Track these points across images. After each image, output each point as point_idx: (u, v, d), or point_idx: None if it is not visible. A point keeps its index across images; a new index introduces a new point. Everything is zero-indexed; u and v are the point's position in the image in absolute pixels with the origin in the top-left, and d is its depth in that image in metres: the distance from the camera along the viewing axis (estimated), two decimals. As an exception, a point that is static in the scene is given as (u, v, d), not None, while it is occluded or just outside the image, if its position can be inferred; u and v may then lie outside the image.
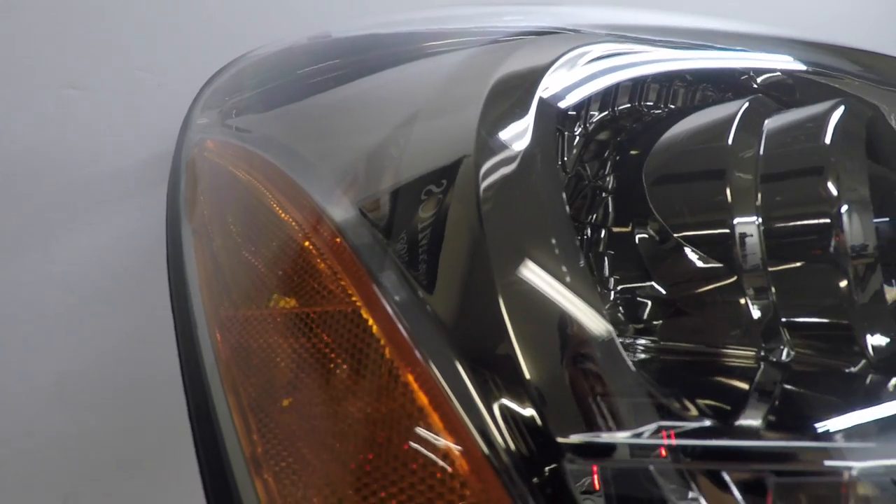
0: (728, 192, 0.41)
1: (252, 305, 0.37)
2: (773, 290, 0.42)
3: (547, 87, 0.37)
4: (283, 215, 0.43)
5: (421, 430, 0.26)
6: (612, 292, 0.51)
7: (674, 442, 0.23)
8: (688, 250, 0.45)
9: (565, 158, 0.51)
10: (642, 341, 0.48)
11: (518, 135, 0.36)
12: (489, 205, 0.32)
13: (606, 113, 0.56)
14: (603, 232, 0.52)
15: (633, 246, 0.49)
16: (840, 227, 0.38)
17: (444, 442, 0.25)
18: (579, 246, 0.51)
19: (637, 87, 0.58)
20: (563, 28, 0.52)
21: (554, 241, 0.31)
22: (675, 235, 0.45)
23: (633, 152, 0.53)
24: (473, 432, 0.25)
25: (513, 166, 0.34)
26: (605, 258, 0.51)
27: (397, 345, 0.29)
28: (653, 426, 0.24)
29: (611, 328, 0.29)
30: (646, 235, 0.48)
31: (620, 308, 0.50)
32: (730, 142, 0.42)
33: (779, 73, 0.64)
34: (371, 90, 0.54)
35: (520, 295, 0.29)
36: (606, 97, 0.56)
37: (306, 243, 0.38)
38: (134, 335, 0.97)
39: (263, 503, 0.29)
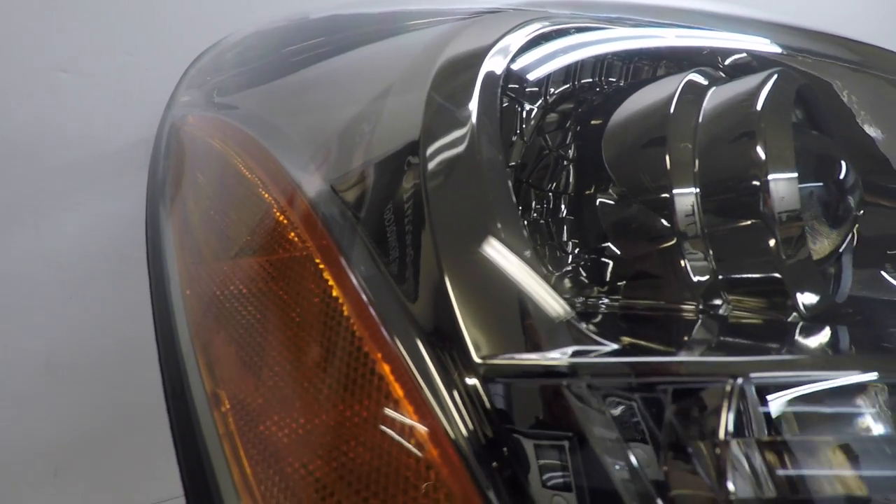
0: (667, 159, 0.44)
1: (219, 258, 0.40)
2: (710, 252, 0.45)
3: (492, 67, 0.39)
4: (261, 191, 0.45)
5: (377, 387, 0.28)
6: (571, 255, 0.53)
7: (585, 360, 0.26)
8: (640, 214, 0.48)
9: (523, 127, 0.53)
10: (605, 300, 0.51)
11: (462, 117, 0.37)
12: (435, 184, 0.34)
13: (567, 87, 0.58)
14: (564, 198, 0.55)
15: (593, 210, 0.51)
16: (767, 191, 0.41)
17: (407, 413, 0.27)
18: (537, 215, 0.54)
19: (599, 63, 0.61)
20: (520, 7, 0.54)
21: (496, 216, 0.33)
22: (628, 200, 0.48)
23: (593, 122, 0.56)
24: (426, 393, 0.27)
25: (457, 149, 0.36)
26: (566, 223, 0.54)
27: (342, 283, 0.32)
28: (569, 349, 0.27)
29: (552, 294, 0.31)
30: (604, 200, 0.50)
31: (583, 272, 0.53)
32: (671, 111, 0.45)
33: (744, 55, 0.67)
34: (342, 67, 0.57)
35: (463, 269, 0.31)
36: (568, 72, 0.59)
37: (276, 211, 0.41)
38: (121, 310, 1.00)
39: (221, 434, 0.32)
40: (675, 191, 0.44)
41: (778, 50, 0.67)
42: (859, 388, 0.30)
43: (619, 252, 0.51)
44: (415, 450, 0.26)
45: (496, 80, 0.39)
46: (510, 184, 0.35)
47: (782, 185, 0.41)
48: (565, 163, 0.55)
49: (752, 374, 0.26)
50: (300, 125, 0.49)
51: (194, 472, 0.33)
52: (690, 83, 0.46)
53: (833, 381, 0.30)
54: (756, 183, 0.41)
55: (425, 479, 0.26)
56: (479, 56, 0.39)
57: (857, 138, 0.64)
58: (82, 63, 1.01)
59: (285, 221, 0.38)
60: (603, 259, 0.52)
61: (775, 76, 0.43)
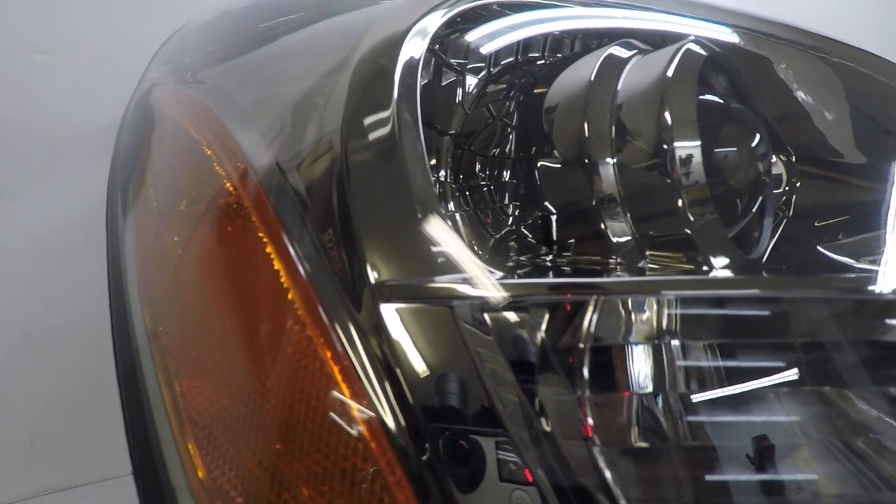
0: (586, 127, 0.48)
1: (169, 224, 0.44)
2: (628, 215, 0.49)
3: (410, 50, 0.42)
4: (214, 165, 0.48)
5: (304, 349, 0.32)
6: (511, 217, 0.57)
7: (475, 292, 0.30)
8: (573, 178, 0.51)
9: (466, 97, 0.57)
10: (549, 258, 0.54)
11: (382, 100, 0.39)
12: (355, 160, 0.37)
13: (512, 59, 0.62)
14: (507, 163, 0.59)
15: (534, 174, 0.55)
16: (673, 156, 0.45)
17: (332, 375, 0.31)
18: (480, 181, 0.58)
19: (545, 39, 0.64)
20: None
21: (412, 194, 0.36)
22: (566, 164, 0.51)
23: (536, 91, 0.59)
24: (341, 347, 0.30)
25: (379, 132, 0.38)
26: (508, 187, 0.58)
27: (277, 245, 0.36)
28: (459, 276, 0.31)
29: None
30: (544, 164, 0.54)
31: (527, 232, 0.56)
32: (591, 80, 0.49)
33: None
34: (297, 44, 0.60)
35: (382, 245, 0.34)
36: (515, 47, 0.62)
37: (227, 183, 0.45)
38: (97, 283, 1.04)
39: (157, 365, 0.36)
40: (592, 156, 0.48)
41: (722, 37, 0.70)
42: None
43: (555, 213, 0.54)
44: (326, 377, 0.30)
45: (415, 62, 0.42)
46: (426, 160, 0.38)
47: (687, 149, 0.45)
48: (509, 130, 0.59)
49: (614, 289, 0.30)
50: (255, 100, 0.53)
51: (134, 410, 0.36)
52: (611, 55, 0.50)
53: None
54: (664, 147, 0.45)
55: (338, 404, 0.29)
56: (397, 41, 0.42)
57: (795, 113, 0.68)
58: (60, 45, 1.04)
59: (233, 192, 0.41)
60: (545, 220, 0.56)
61: (685, 47, 0.47)
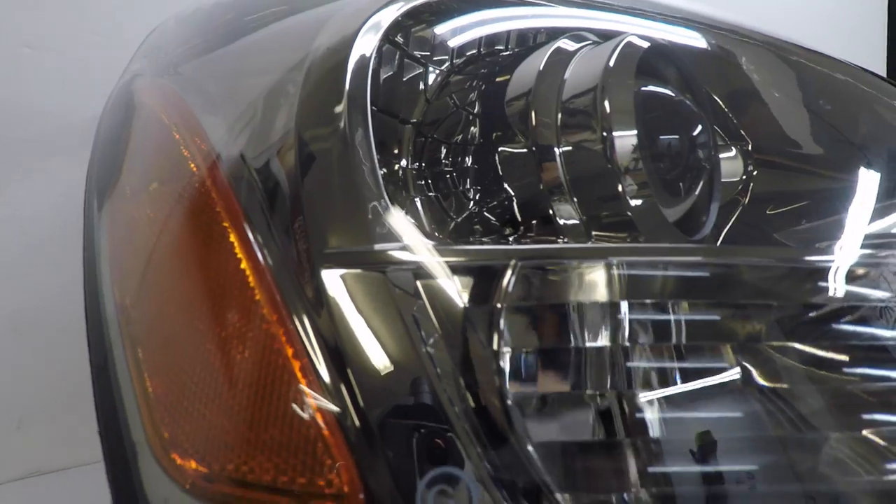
0: (532, 114, 0.51)
1: (138, 192, 0.47)
2: (575, 199, 0.52)
3: (362, 47, 0.45)
4: (182, 150, 0.51)
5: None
6: (472, 201, 0.60)
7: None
8: (528, 163, 0.55)
9: (424, 89, 0.60)
10: (511, 239, 0.57)
11: (334, 93, 0.42)
12: (306, 146, 0.40)
13: (475, 52, 0.65)
14: (470, 150, 0.62)
15: (494, 159, 0.58)
16: (612, 143, 0.48)
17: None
18: (443, 167, 0.61)
19: (509, 34, 0.67)
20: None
21: (355, 176, 0.39)
22: (519, 150, 0.54)
23: (498, 79, 0.62)
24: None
25: (329, 123, 0.41)
26: (470, 172, 0.61)
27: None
28: (396, 244, 0.34)
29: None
30: (504, 149, 0.57)
31: (491, 216, 0.59)
32: (540, 68, 0.52)
33: None
34: (269, 36, 0.63)
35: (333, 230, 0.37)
36: (479, 41, 0.65)
37: (195, 172, 0.48)
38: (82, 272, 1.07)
39: (124, 334, 0.39)
40: (539, 144, 0.51)
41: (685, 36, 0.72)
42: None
43: (515, 197, 0.58)
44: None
45: (367, 58, 0.44)
46: (373, 148, 0.41)
47: (624, 136, 0.48)
48: (471, 118, 0.62)
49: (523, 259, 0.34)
50: (224, 91, 0.56)
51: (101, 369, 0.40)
52: (559, 48, 0.53)
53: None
54: (604, 134, 0.48)
55: (280, 361, 0.33)
56: (350, 37, 0.45)
57: (754, 106, 0.72)
58: (49, 40, 1.08)
59: (196, 172, 0.45)
60: (508, 204, 0.59)
61: (625, 40, 0.50)
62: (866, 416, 0.43)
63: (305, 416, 0.31)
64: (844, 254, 0.57)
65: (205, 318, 0.35)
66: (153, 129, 0.52)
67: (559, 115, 0.51)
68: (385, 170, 0.55)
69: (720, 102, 0.70)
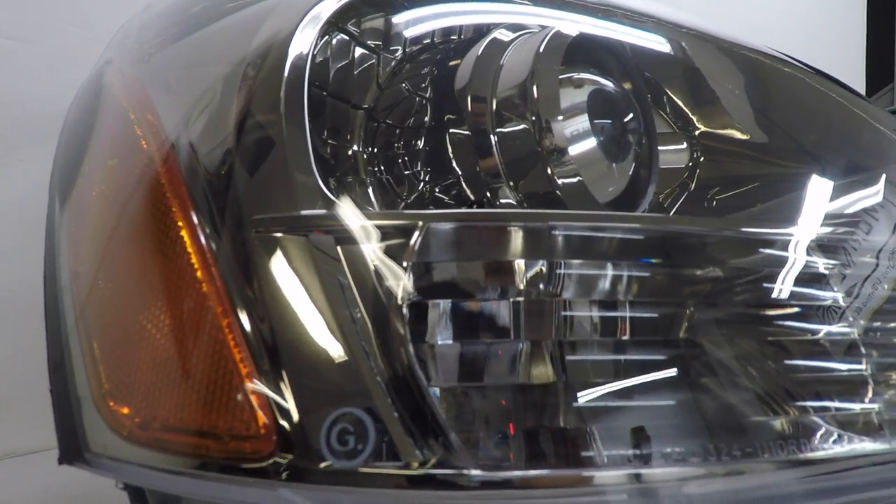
0: (468, 100, 0.55)
1: (95, 168, 0.51)
2: (511, 182, 0.55)
3: (301, 39, 0.48)
4: (141, 141, 0.54)
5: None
6: (422, 182, 0.64)
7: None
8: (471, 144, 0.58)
9: (377, 76, 0.63)
10: None
11: (274, 82, 0.45)
12: (245, 128, 0.43)
13: (428, 41, 0.68)
14: (422, 133, 0.65)
15: (444, 141, 0.61)
16: (540, 126, 0.51)
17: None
18: (395, 150, 0.64)
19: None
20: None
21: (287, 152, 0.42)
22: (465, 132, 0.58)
23: (451, 63, 0.65)
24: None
25: (269, 108, 0.44)
26: (421, 155, 0.64)
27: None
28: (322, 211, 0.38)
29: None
30: (454, 131, 0.60)
31: (445, 197, 0.63)
32: (476, 56, 0.55)
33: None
34: (222, 29, 0.66)
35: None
36: (433, 31, 0.68)
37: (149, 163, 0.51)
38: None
39: (75, 299, 0.42)
40: (474, 130, 0.55)
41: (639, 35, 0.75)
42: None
43: (462, 177, 0.61)
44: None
45: (306, 48, 0.47)
46: (306, 132, 0.44)
47: (551, 119, 0.52)
48: (424, 102, 0.65)
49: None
50: (179, 79, 0.59)
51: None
52: (495, 38, 0.56)
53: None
54: (532, 119, 0.52)
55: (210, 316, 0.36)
56: (289, 30, 0.48)
57: (705, 97, 0.75)
58: (27, 32, 1.11)
59: (146, 149, 0.48)
60: (456, 183, 0.62)
61: (554, 29, 0.54)
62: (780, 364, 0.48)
63: (228, 367, 0.34)
64: (774, 226, 0.60)
65: (144, 278, 0.39)
66: (113, 113, 0.56)
67: (494, 102, 0.54)
68: (332, 151, 0.58)
69: (669, 92, 0.74)
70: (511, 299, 0.38)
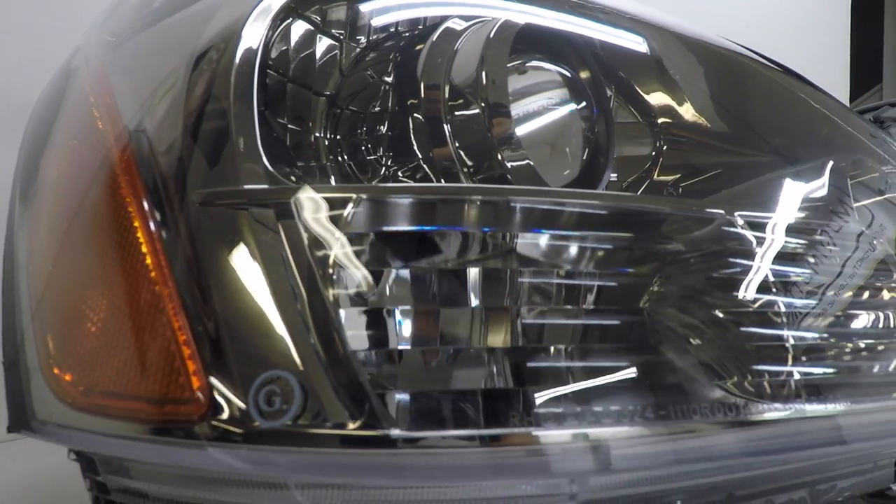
0: (421, 85, 0.56)
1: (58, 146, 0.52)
2: (465, 169, 0.57)
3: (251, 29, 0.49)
4: (96, 116, 0.55)
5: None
6: (384, 167, 0.65)
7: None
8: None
9: (339, 63, 0.65)
10: None
11: (223, 73, 0.47)
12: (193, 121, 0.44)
13: (393, 29, 0.69)
14: (385, 118, 0.66)
15: (407, 125, 0.62)
16: (487, 113, 0.53)
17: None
18: (358, 136, 0.65)
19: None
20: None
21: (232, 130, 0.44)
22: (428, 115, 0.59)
23: (416, 48, 0.66)
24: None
25: (218, 89, 0.45)
26: (384, 139, 0.65)
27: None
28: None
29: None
30: (416, 116, 0.62)
31: (409, 181, 0.64)
32: (433, 40, 0.57)
33: None
34: (183, 19, 0.68)
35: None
36: (392, 21, 0.70)
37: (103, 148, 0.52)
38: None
39: (29, 272, 0.44)
40: (426, 116, 0.56)
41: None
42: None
43: (422, 160, 0.62)
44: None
45: (256, 40, 0.48)
46: (254, 114, 0.46)
47: (499, 105, 0.53)
48: (387, 88, 0.67)
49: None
50: (143, 68, 0.61)
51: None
52: (447, 28, 0.58)
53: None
54: (481, 104, 0.53)
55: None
56: (242, 17, 0.49)
57: (667, 88, 0.77)
58: (9, 23, 1.12)
59: (101, 128, 0.50)
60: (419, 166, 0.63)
61: (504, 18, 0.55)
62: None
63: (167, 335, 0.36)
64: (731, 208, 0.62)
65: (90, 251, 0.40)
66: (75, 96, 0.57)
67: (447, 89, 0.56)
68: (294, 138, 0.60)
69: (632, 83, 0.75)
70: (439, 267, 0.40)
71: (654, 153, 0.73)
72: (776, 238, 0.57)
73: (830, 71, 2.52)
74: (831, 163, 0.64)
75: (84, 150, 0.47)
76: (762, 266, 0.56)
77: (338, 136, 0.67)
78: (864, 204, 0.64)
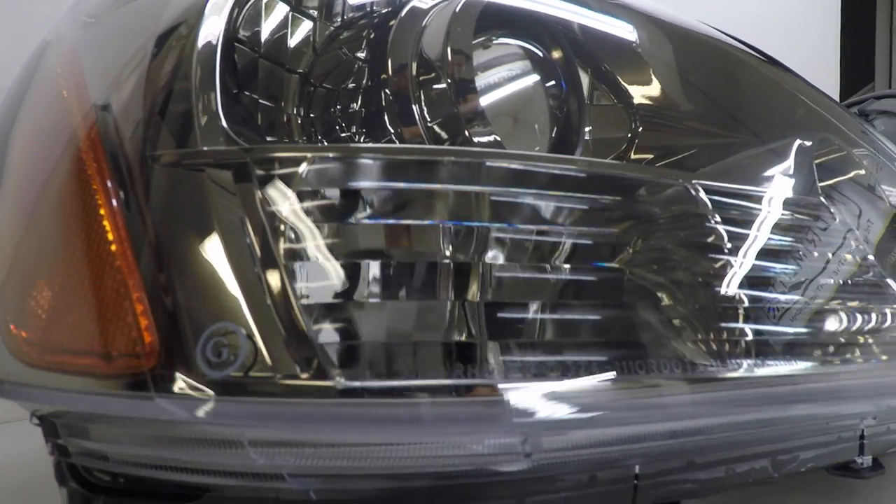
0: (389, 63, 0.57)
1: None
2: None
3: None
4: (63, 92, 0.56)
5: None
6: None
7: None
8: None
9: (313, 40, 0.65)
10: None
11: (188, 46, 0.47)
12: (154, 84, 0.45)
13: (369, 9, 0.70)
14: (359, 94, 0.67)
15: (380, 101, 0.63)
16: (455, 86, 0.53)
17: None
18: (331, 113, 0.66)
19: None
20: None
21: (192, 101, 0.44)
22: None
23: (390, 23, 0.67)
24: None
25: (179, 57, 0.46)
26: (357, 116, 0.66)
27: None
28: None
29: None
30: (387, 91, 0.62)
31: None
32: (402, 15, 0.57)
33: None
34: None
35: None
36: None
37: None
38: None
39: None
40: (396, 93, 0.57)
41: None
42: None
43: (394, 135, 0.63)
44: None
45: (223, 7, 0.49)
46: (216, 87, 0.46)
47: (465, 82, 0.54)
48: (361, 65, 0.67)
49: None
50: (111, 44, 0.61)
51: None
52: (413, 7, 0.59)
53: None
54: (448, 80, 0.54)
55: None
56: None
57: (641, 70, 0.78)
58: (-10, 10, 1.12)
59: (66, 98, 0.50)
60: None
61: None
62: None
63: (120, 290, 0.36)
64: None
65: (47, 209, 0.41)
66: (44, 70, 0.58)
67: (414, 65, 0.56)
68: (268, 116, 0.60)
69: (608, 66, 0.76)
70: (399, 221, 0.41)
71: (630, 135, 0.74)
72: (747, 207, 0.58)
73: (821, 71, 2.54)
74: (797, 141, 0.65)
75: (49, 119, 0.48)
76: (732, 231, 0.57)
77: (311, 114, 0.67)
78: (829, 183, 0.65)
